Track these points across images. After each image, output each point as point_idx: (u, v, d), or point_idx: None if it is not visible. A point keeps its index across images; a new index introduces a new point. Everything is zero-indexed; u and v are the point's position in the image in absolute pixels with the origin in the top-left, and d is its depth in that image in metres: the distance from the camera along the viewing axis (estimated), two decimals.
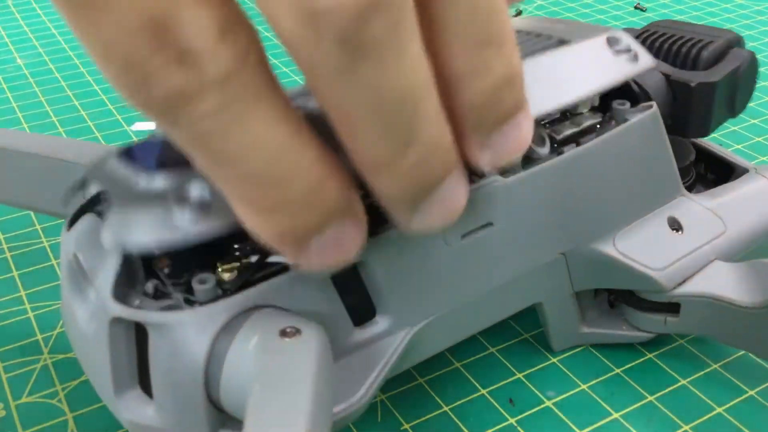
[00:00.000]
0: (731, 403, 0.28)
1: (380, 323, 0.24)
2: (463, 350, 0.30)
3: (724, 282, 0.27)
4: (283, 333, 0.20)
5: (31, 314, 0.32)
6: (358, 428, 0.27)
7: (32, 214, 0.38)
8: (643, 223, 0.28)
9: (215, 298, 0.21)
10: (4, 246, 0.36)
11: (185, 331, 0.20)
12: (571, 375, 0.29)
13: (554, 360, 0.30)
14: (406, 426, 0.27)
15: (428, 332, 0.25)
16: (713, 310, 0.27)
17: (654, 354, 0.30)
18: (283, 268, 0.22)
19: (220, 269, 0.21)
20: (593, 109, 0.28)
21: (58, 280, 0.34)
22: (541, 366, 0.29)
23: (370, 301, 0.24)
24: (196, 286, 0.21)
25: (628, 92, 0.28)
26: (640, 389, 0.28)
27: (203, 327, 0.20)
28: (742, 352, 0.30)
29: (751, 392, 0.28)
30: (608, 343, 0.30)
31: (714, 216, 0.29)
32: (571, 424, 0.27)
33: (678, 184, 0.29)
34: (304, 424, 0.17)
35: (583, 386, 0.28)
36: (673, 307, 0.28)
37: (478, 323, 0.27)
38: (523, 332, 0.31)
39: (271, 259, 0.22)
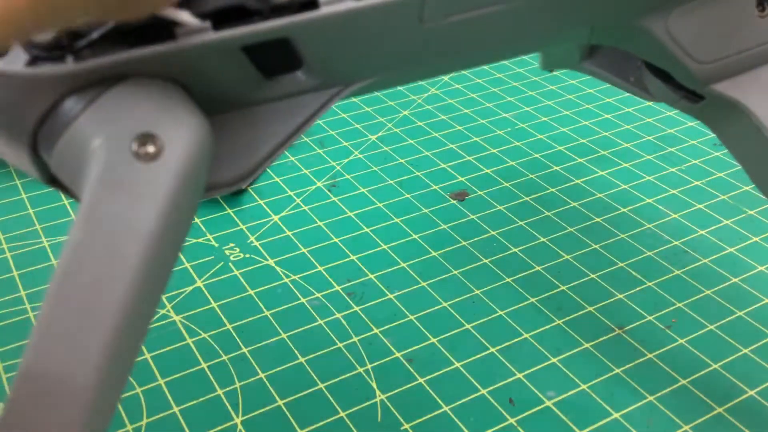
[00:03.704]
0: (731, 403, 0.28)
1: (302, 79, 0.19)
2: (463, 350, 0.30)
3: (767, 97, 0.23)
4: (138, 152, 0.15)
5: (31, 314, 0.32)
6: (358, 428, 0.27)
7: (32, 214, 0.38)
8: None
9: (77, 50, 0.16)
10: (4, 246, 0.36)
11: (15, 86, 0.15)
12: (571, 375, 0.29)
13: (554, 360, 0.30)
14: (406, 426, 0.27)
15: (368, 87, 0.20)
16: (736, 122, 0.23)
17: (654, 354, 0.30)
18: (169, 36, 0.16)
19: None
20: None
21: None
22: (541, 366, 0.29)
23: (294, 57, 0.18)
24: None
25: None
26: (640, 389, 0.28)
27: (42, 91, 0.15)
28: (742, 352, 0.30)
29: (751, 392, 0.28)
30: (605, 83, 0.26)
31: None
32: (571, 424, 0.27)
33: None
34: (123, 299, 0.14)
35: (583, 386, 0.28)
36: (696, 95, 0.24)
37: (438, 73, 0.22)
38: (523, 332, 0.31)
39: (167, 13, 0.16)
